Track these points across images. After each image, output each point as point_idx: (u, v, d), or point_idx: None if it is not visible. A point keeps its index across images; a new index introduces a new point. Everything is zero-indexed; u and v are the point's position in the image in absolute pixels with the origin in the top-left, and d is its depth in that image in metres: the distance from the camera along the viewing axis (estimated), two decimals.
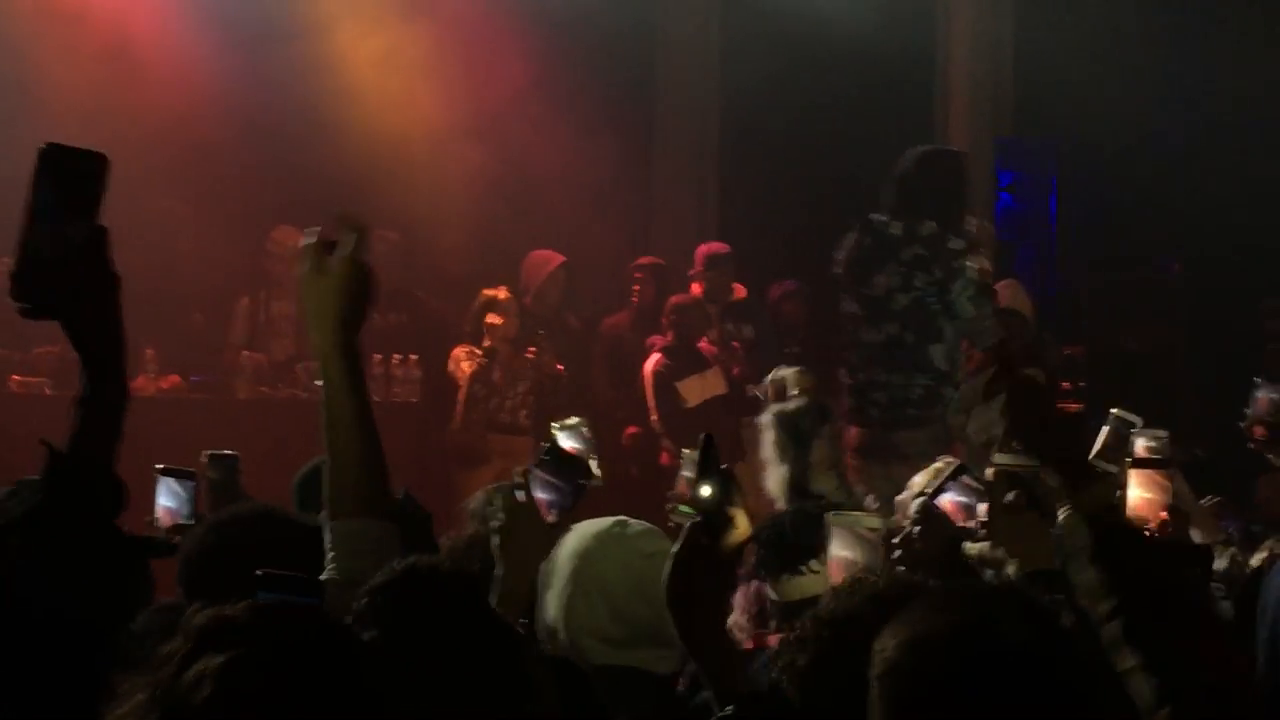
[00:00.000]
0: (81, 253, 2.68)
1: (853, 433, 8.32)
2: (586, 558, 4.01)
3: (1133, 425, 5.36)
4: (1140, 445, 5.19)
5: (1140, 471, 4.82)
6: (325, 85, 11.72)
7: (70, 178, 2.68)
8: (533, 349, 10.86)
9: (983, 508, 4.21)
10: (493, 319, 10.81)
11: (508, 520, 3.89)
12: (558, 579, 3.98)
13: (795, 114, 12.87)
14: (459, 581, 3.02)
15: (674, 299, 11.25)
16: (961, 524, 4.21)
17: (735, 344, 11.24)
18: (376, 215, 11.76)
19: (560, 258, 11.39)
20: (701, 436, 3.21)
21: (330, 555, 3.21)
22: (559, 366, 10.97)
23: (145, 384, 10.50)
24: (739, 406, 10.36)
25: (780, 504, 5.61)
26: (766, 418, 5.89)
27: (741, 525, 3.16)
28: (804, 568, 4.57)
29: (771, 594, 4.59)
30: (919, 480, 5.15)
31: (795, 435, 5.73)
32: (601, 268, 12.01)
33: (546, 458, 3.98)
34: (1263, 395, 6.04)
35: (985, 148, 13.23)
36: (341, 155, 11.49)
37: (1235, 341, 12.08)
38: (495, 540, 3.86)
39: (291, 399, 10.43)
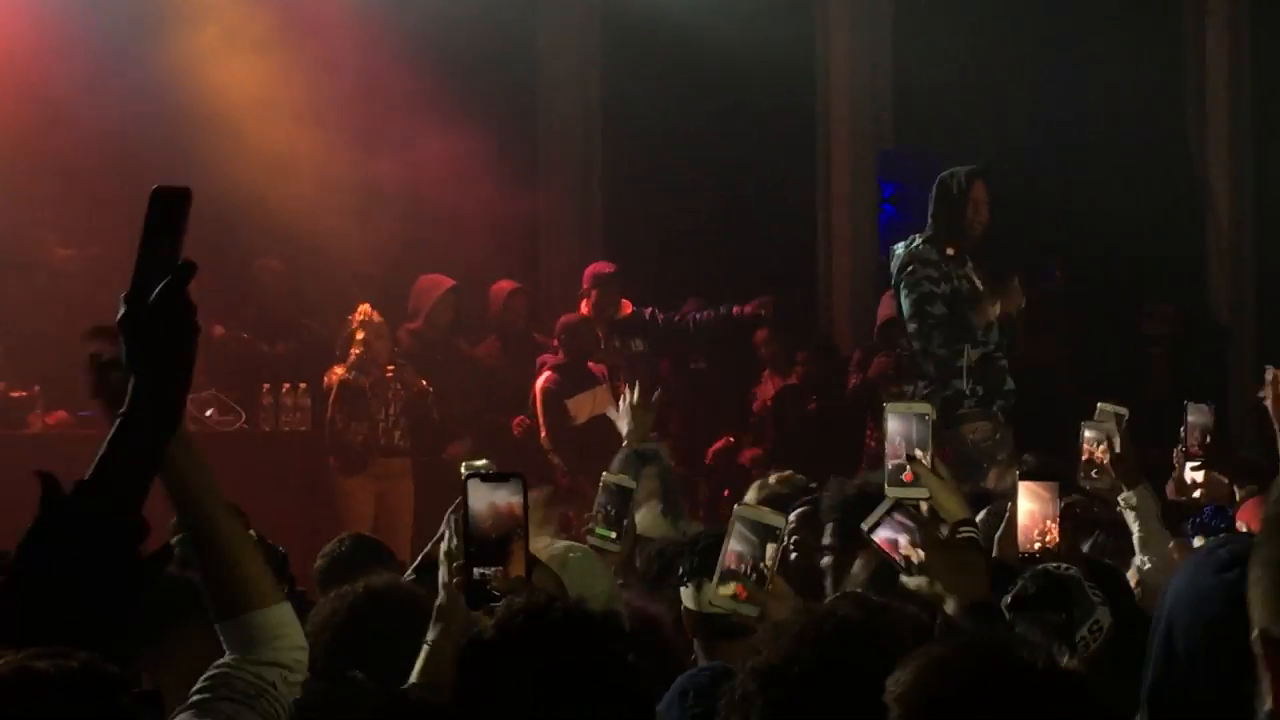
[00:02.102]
0: (168, 289, 2.67)
1: None
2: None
3: (1121, 415, 5.50)
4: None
5: (1026, 484, 4.88)
6: (206, 117, 11.63)
7: (169, 215, 2.74)
8: (391, 367, 10.86)
9: (905, 540, 4.25)
10: (367, 340, 10.80)
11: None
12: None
13: (679, 131, 12.92)
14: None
15: (563, 319, 11.29)
16: (895, 557, 4.23)
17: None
18: (262, 245, 11.74)
19: (449, 281, 11.40)
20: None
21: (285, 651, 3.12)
22: (424, 383, 10.97)
23: (34, 421, 10.42)
24: None
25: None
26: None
27: None
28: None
29: (689, 603, 4.61)
30: (750, 495, 5.36)
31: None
32: (490, 288, 12.00)
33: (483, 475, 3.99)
34: (1193, 419, 6.13)
35: (867, 160, 13.34)
36: (224, 188, 11.40)
37: (1117, 345, 12.24)
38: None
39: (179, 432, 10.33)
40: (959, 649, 2.60)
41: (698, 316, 11.50)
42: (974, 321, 8.99)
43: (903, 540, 4.26)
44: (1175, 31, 13.39)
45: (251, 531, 4.24)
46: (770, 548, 4.09)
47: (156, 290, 2.68)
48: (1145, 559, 5.40)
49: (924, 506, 4.23)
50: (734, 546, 4.09)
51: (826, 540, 4.95)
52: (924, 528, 4.14)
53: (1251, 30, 13.11)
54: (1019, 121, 12.77)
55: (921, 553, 4.09)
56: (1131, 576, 5.27)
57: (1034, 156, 12.54)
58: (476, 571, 3.74)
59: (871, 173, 13.30)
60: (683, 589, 4.63)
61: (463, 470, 5.02)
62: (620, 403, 6.84)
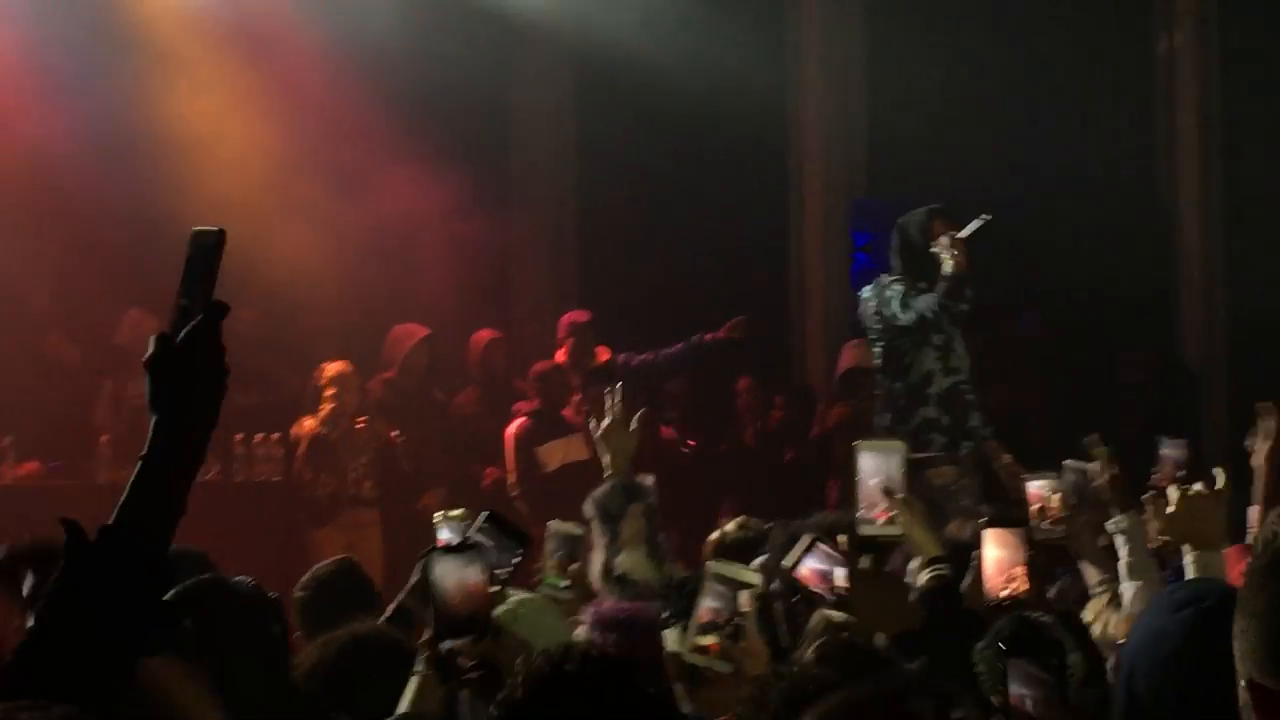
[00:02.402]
0: (208, 328, 2.69)
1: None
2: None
3: (1085, 473, 5.48)
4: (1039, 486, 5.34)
5: (993, 531, 4.88)
6: (180, 165, 11.61)
7: (203, 256, 2.77)
8: (362, 419, 10.84)
9: (841, 573, 4.24)
10: (338, 392, 10.79)
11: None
12: None
13: (652, 178, 12.94)
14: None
15: (536, 366, 11.27)
16: (820, 591, 4.22)
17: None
18: (234, 294, 11.70)
19: (423, 330, 11.39)
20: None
21: None
22: (394, 433, 10.95)
23: (5, 472, 10.37)
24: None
25: (596, 586, 5.62)
26: (586, 506, 5.95)
27: None
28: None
29: (673, 646, 4.59)
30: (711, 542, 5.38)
31: (606, 517, 5.78)
32: (464, 339, 11.98)
33: (487, 524, 3.98)
34: (1167, 453, 6.13)
35: (839, 210, 13.37)
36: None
37: (1091, 389, 12.26)
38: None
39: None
40: (847, 703, 2.57)
41: (667, 352, 11.45)
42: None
43: (829, 572, 4.26)
44: (1147, 78, 13.46)
45: (245, 577, 4.25)
46: (744, 601, 4.08)
47: (184, 332, 2.68)
48: (1130, 586, 5.36)
49: (842, 540, 4.24)
50: (708, 603, 4.08)
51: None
52: (847, 560, 4.15)
53: (1221, 77, 13.18)
54: (991, 169, 12.80)
55: (845, 585, 4.10)
56: (1095, 616, 5.25)
57: (1007, 204, 12.56)
58: (445, 645, 3.73)
59: (844, 221, 13.32)
60: (666, 632, 4.62)
61: (435, 520, 5.03)
62: (595, 429, 6.52)
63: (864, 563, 4.17)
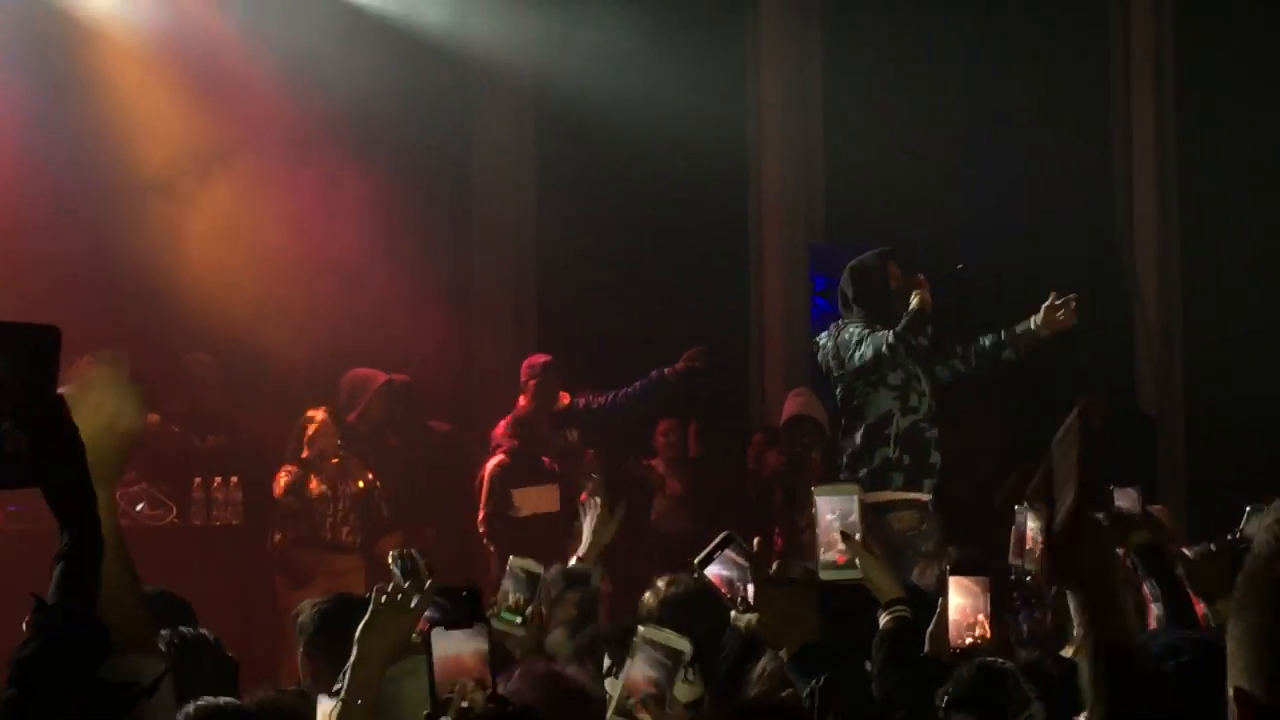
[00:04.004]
0: (40, 423, 2.79)
1: None
2: None
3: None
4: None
5: (956, 579, 4.88)
6: (139, 209, 11.62)
7: (20, 351, 2.79)
8: (335, 458, 10.82)
9: (737, 577, 4.25)
10: (316, 439, 10.79)
11: (375, 614, 3.99)
12: None
13: (611, 226, 12.97)
14: None
15: (515, 413, 11.23)
16: (727, 594, 4.24)
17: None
18: (193, 338, 11.69)
19: (383, 375, 11.38)
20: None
21: None
22: (370, 475, 10.94)
23: None
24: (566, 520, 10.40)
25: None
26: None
27: None
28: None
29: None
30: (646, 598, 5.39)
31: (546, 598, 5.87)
32: (421, 382, 11.97)
33: (444, 597, 4.03)
34: (1120, 503, 6.13)
35: (799, 254, 13.41)
36: (154, 279, 11.37)
37: (1048, 434, 12.27)
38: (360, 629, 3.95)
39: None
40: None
41: (627, 391, 11.41)
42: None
43: (735, 577, 4.27)
44: (1103, 125, 13.54)
45: (206, 631, 4.29)
46: (676, 670, 4.10)
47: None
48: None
49: (756, 543, 4.25)
50: (639, 670, 4.09)
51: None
52: (754, 565, 4.16)
53: (1178, 124, 13.27)
54: (949, 213, 12.87)
55: (751, 590, 4.11)
56: (1077, 652, 5.25)
57: (965, 249, 12.64)
58: None
59: (804, 266, 13.37)
60: (609, 680, 4.62)
61: (389, 559, 5.03)
62: (584, 517, 6.55)
63: (771, 568, 4.17)
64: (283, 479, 10.79)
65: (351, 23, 12.11)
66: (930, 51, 13.11)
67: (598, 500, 6.54)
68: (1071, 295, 9.10)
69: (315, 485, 10.77)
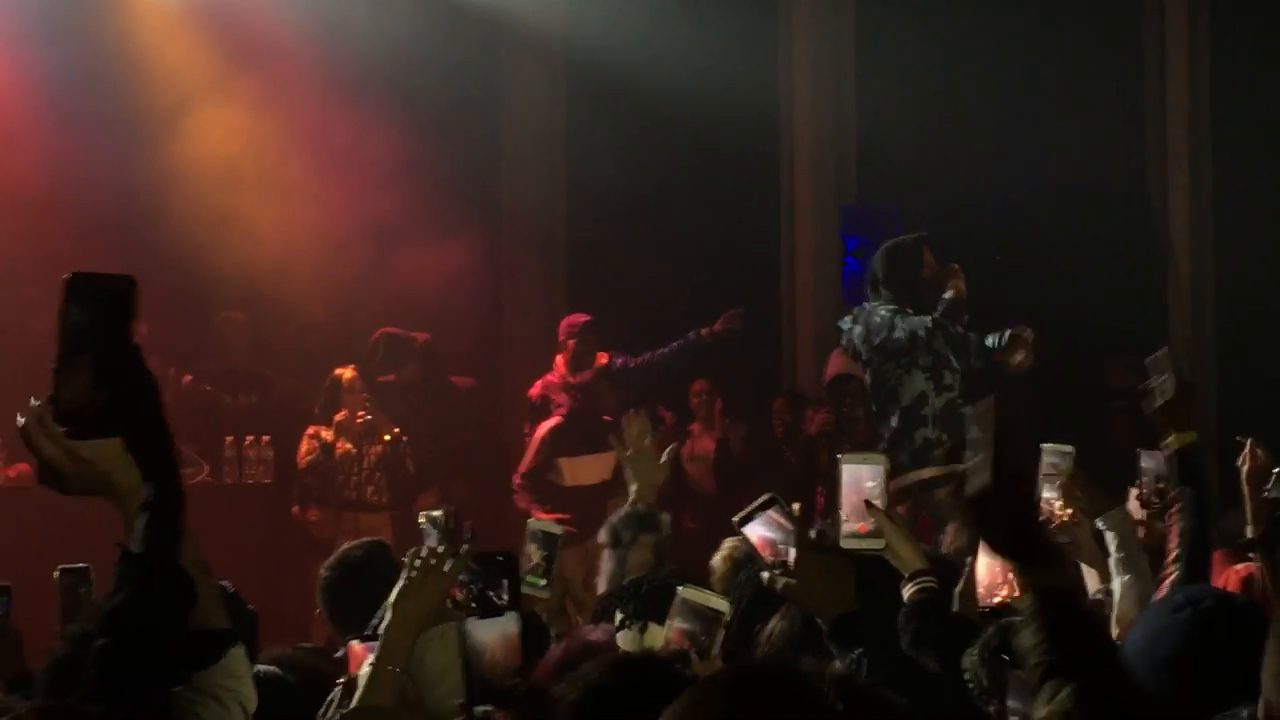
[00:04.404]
0: (121, 372, 2.81)
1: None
2: None
3: (1067, 454, 5.50)
4: (1046, 461, 5.34)
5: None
6: (171, 167, 11.64)
7: (100, 301, 2.79)
8: (361, 412, 10.82)
9: (778, 539, 4.26)
10: (343, 397, 10.81)
11: (410, 579, 4.01)
12: None
13: (642, 186, 12.93)
14: None
15: (579, 374, 11.17)
16: (769, 559, 4.24)
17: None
18: (224, 297, 11.73)
19: (421, 335, 11.40)
20: None
21: None
22: (396, 432, 10.94)
23: None
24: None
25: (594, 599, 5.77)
26: (602, 530, 6.06)
27: None
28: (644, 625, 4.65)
29: (628, 646, 4.62)
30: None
31: (615, 540, 5.87)
32: (453, 345, 11.99)
33: (480, 564, 4.06)
34: (1146, 465, 6.12)
35: (831, 215, 13.38)
36: (186, 240, 11.39)
37: (1082, 399, 12.26)
38: (394, 592, 3.97)
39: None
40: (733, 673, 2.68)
41: (663, 352, 11.36)
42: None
43: (779, 539, 4.27)
44: (1137, 87, 13.47)
45: (226, 583, 4.30)
46: (716, 631, 4.11)
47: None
48: (1119, 582, 5.35)
49: (796, 507, 4.26)
50: (679, 625, 4.11)
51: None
52: (797, 529, 4.16)
53: (1212, 88, 13.20)
54: (981, 175, 12.82)
55: (793, 554, 4.11)
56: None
57: (997, 211, 12.61)
58: (479, 710, 3.76)
59: (835, 227, 13.34)
60: (621, 633, 4.63)
61: (420, 520, 5.04)
62: (621, 452, 6.47)
63: (813, 533, 4.17)
64: (307, 439, 10.83)
65: None
66: (965, 13, 13.05)
67: (646, 442, 6.48)
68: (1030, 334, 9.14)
69: (342, 445, 10.79)
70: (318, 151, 11.93)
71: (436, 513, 5.05)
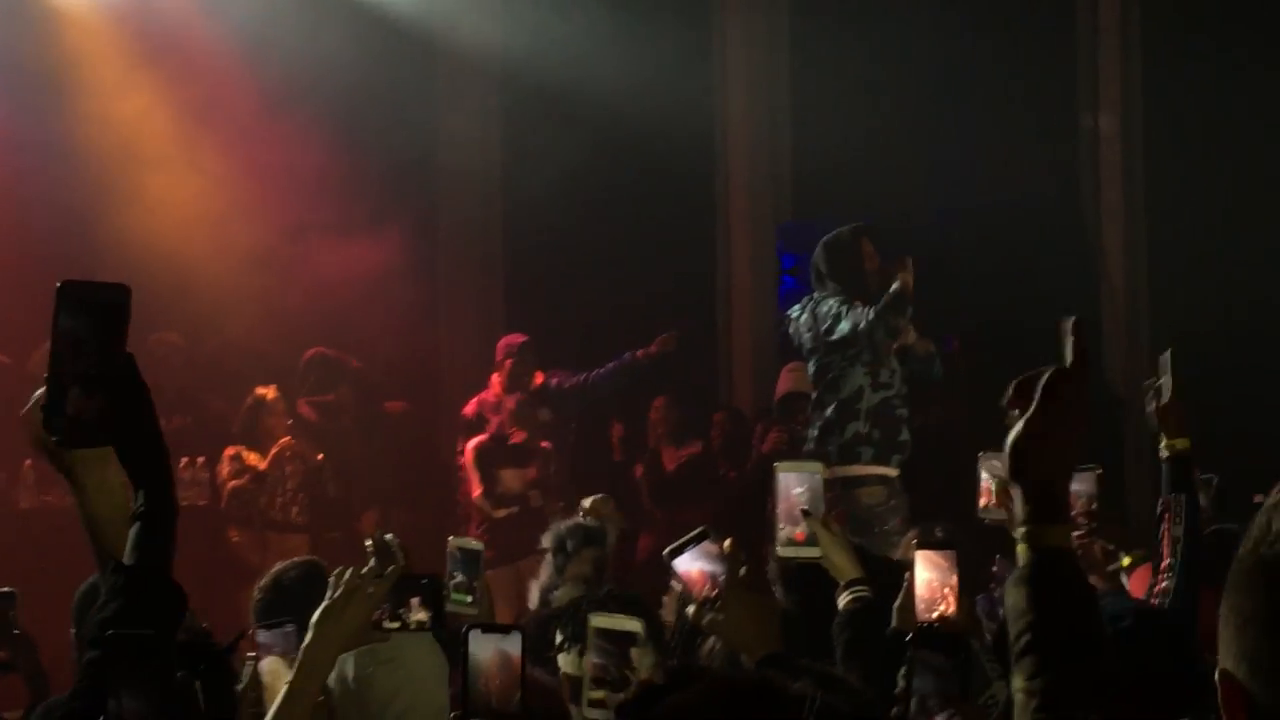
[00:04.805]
0: (113, 382, 2.77)
1: None
2: None
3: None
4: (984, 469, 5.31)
5: (923, 553, 4.88)
6: (105, 184, 11.56)
7: (93, 310, 2.76)
8: (286, 438, 10.80)
9: (707, 573, 4.24)
10: (264, 418, 10.78)
11: (333, 599, 3.99)
12: None
13: (578, 205, 12.93)
14: None
15: (486, 394, 11.19)
16: (705, 592, 4.23)
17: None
18: (158, 318, 11.65)
19: (353, 360, 11.39)
20: None
21: None
22: (319, 457, 10.92)
23: (23, 498, 10.36)
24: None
25: (532, 606, 5.84)
26: (545, 535, 6.08)
27: None
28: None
29: (569, 669, 4.62)
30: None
31: (558, 547, 5.90)
32: (389, 365, 11.95)
33: (412, 584, 4.05)
34: (1076, 486, 6.09)
35: (767, 233, 13.40)
36: (120, 261, 11.32)
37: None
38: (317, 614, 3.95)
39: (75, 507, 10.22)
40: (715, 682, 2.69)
41: (598, 373, 11.42)
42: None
43: (715, 570, 4.26)
44: (1070, 108, 13.55)
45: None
46: (633, 652, 4.10)
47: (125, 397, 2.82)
48: None
49: (728, 545, 4.24)
50: (594, 659, 4.09)
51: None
52: (728, 565, 4.15)
53: (1144, 105, 13.28)
54: (917, 194, 12.87)
55: (718, 590, 4.10)
56: None
57: (932, 228, 12.65)
58: None
59: (772, 244, 13.36)
60: (562, 655, 4.61)
61: (368, 544, 5.03)
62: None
63: (742, 571, 4.17)
64: (229, 460, 10.79)
65: (316, 2, 12.07)
66: (900, 32, 13.11)
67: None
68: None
69: (264, 464, 10.76)
70: (250, 168, 11.88)
71: (388, 536, 5.06)
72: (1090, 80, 13.50)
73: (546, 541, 6.06)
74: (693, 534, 4.32)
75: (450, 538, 5.44)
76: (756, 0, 13.57)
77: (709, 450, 11.92)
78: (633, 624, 4.15)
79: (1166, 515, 5.33)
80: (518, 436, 11.01)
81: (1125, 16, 13.23)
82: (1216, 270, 12.53)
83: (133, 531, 2.86)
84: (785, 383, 11.51)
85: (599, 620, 4.15)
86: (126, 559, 2.85)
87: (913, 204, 12.76)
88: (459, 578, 5.18)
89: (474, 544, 5.36)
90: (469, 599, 5.16)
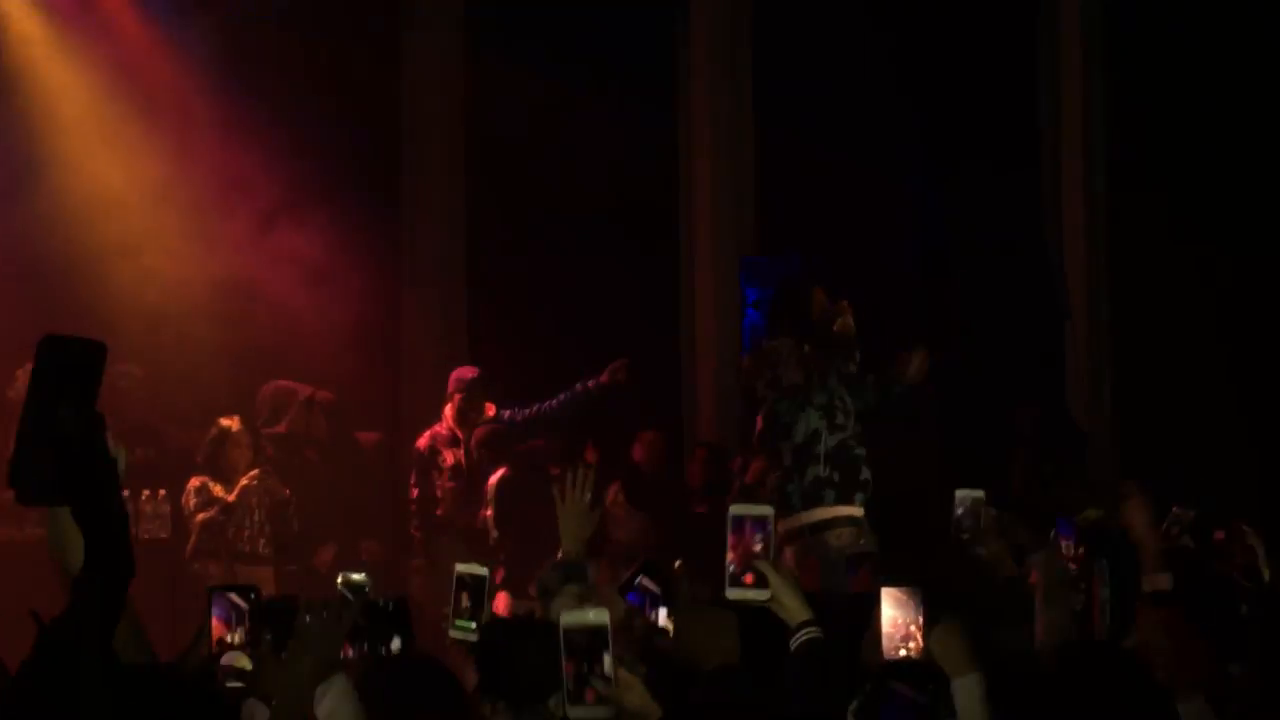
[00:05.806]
0: (77, 440, 2.73)
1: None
2: None
3: (980, 499, 5.51)
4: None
5: (889, 590, 4.87)
6: (68, 216, 11.52)
7: (68, 366, 2.68)
8: (255, 471, 10.76)
9: (661, 612, 4.25)
10: (228, 449, 10.72)
11: (305, 633, 3.98)
12: None
13: (543, 238, 12.93)
14: None
15: (479, 430, 11.13)
16: (647, 616, 4.24)
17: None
18: (120, 349, 11.59)
19: (307, 388, 11.31)
20: None
21: None
22: (286, 492, 10.87)
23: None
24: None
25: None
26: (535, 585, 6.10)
27: None
28: None
29: None
30: None
31: (543, 592, 5.90)
32: (352, 396, 11.91)
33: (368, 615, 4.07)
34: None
35: (731, 266, 13.40)
36: (83, 290, 11.28)
37: (987, 447, 12.33)
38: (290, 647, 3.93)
39: (40, 539, 10.15)
40: None
41: (549, 404, 11.34)
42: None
43: (657, 599, 4.27)
44: (1033, 142, 13.63)
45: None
46: (605, 654, 4.09)
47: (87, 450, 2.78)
48: (1042, 616, 5.39)
49: (678, 565, 4.27)
50: (567, 660, 4.07)
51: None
52: (680, 586, 4.17)
53: (1107, 143, 13.36)
54: (880, 229, 12.90)
55: (661, 614, 4.12)
56: None
57: (896, 262, 12.69)
58: None
59: (735, 277, 13.36)
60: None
61: (338, 583, 5.01)
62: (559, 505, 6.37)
63: (692, 592, 4.18)
64: (194, 492, 10.73)
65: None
66: (865, 68, 13.15)
67: (582, 495, 6.41)
68: (924, 352, 9.21)
69: (228, 495, 10.70)
70: (213, 196, 11.87)
71: (356, 577, 5.03)
72: (1054, 115, 13.58)
73: (534, 591, 6.05)
74: (639, 565, 4.32)
75: (457, 564, 5.41)
76: (721, 34, 13.59)
77: (684, 483, 11.91)
78: (598, 617, 4.14)
79: (1095, 579, 5.41)
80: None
81: (1087, 51, 13.35)
82: (1179, 299, 12.61)
83: (75, 593, 2.79)
84: None
85: (565, 619, 4.15)
86: (61, 621, 2.79)
87: (876, 240, 12.80)
88: (464, 604, 5.17)
89: (479, 569, 5.33)
90: (473, 625, 5.15)
